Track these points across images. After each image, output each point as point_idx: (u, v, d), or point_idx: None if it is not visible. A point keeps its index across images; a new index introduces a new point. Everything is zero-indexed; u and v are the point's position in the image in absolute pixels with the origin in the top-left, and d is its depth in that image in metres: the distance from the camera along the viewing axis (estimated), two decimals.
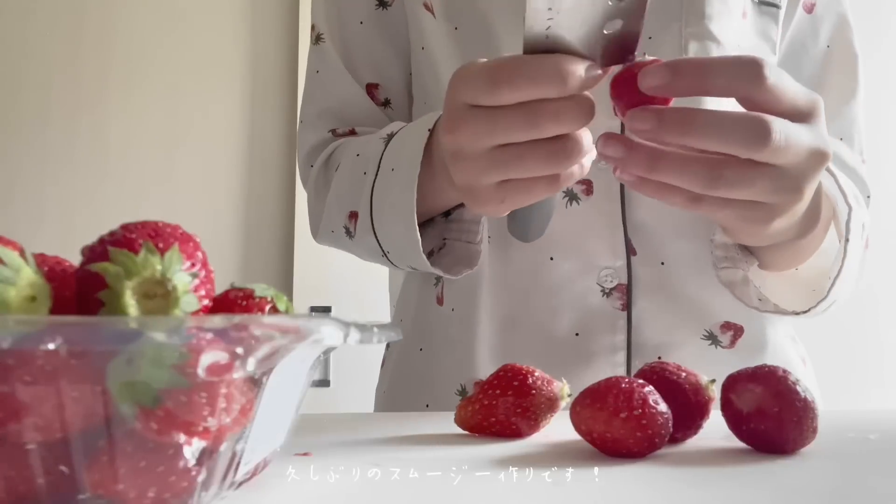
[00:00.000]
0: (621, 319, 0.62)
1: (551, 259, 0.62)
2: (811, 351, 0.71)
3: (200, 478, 0.25)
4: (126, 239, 0.26)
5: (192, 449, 0.24)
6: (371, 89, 0.72)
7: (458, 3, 0.66)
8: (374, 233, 0.60)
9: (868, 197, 0.69)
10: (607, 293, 0.62)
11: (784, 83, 0.41)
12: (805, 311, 0.56)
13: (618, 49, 0.41)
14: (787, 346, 0.68)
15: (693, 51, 0.63)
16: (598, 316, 0.62)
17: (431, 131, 0.55)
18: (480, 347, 0.64)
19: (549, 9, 0.38)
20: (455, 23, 0.66)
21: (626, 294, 0.62)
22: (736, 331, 0.64)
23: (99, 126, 1.95)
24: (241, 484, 0.30)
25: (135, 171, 1.96)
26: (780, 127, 0.40)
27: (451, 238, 0.61)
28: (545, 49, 0.40)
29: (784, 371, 0.39)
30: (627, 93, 0.41)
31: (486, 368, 0.64)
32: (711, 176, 0.41)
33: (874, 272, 2.08)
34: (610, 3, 0.39)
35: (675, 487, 0.32)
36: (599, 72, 0.42)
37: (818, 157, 0.43)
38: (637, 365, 0.62)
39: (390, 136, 0.60)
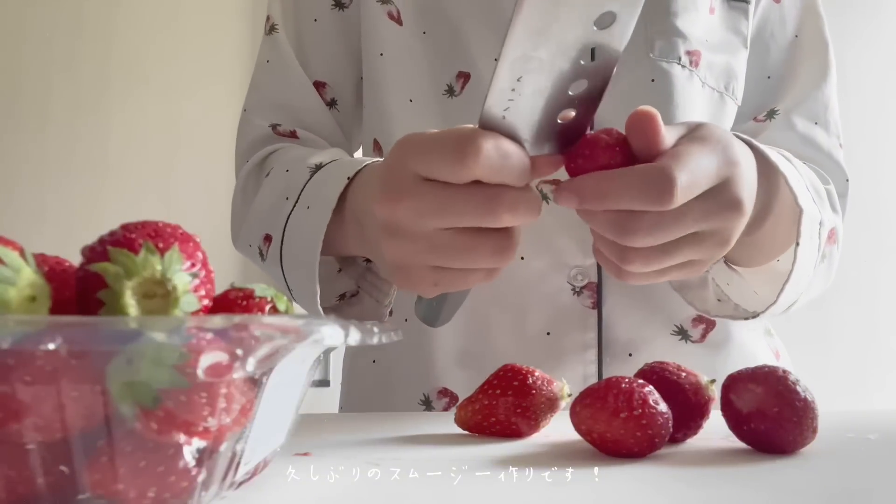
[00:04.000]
0: (592, 317, 0.62)
1: (521, 258, 0.62)
2: (811, 352, 0.71)
3: (200, 478, 0.25)
4: (126, 239, 0.26)
5: (192, 449, 0.24)
6: (319, 87, 0.71)
7: (429, 10, 0.66)
8: (282, 265, 0.58)
9: (846, 181, 0.68)
10: (578, 291, 0.62)
11: (695, 183, 0.40)
12: (755, 316, 0.55)
13: (566, 137, 0.41)
14: (756, 339, 0.68)
15: (659, 48, 0.62)
16: (569, 314, 0.62)
17: (352, 180, 0.52)
18: (441, 353, 0.64)
19: (513, 90, 0.37)
20: (424, 27, 0.66)
21: (596, 292, 0.62)
22: (707, 324, 0.64)
23: (99, 126, 1.95)
24: (241, 484, 0.30)
25: (135, 172, 1.95)
26: (646, 226, 0.39)
27: (364, 289, 0.59)
28: (501, 130, 0.39)
29: (784, 371, 0.39)
30: (583, 167, 0.40)
31: (452, 373, 0.64)
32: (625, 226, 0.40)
33: (875, 271, 2.07)
34: (570, 93, 0.39)
35: (676, 487, 0.32)
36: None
37: (729, 215, 0.42)
38: (608, 362, 0.62)
39: (318, 167, 0.58)
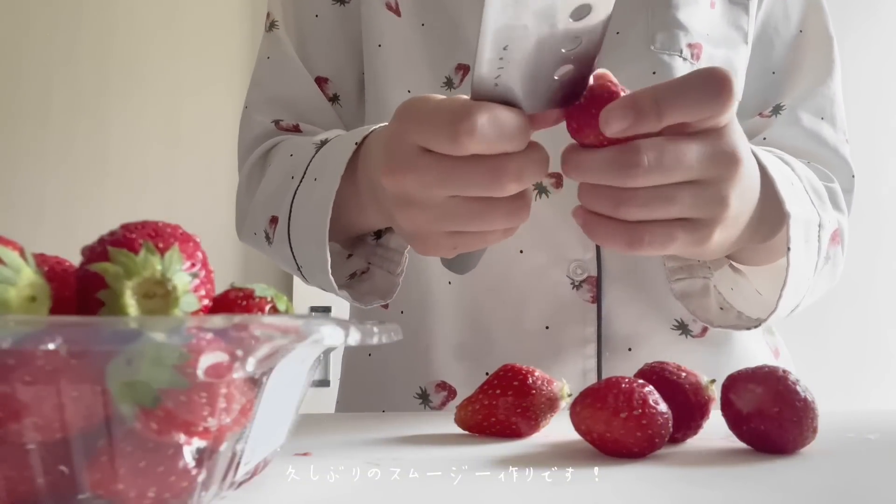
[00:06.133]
0: (591, 312, 0.62)
1: (521, 252, 0.62)
2: (810, 351, 0.71)
3: (200, 478, 0.25)
4: (126, 239, 0.26)
5: (192, 449, 0.24)
6: (321, 82, 0.70)
7: (428, 0, 0.65)
8: (290, 243, 0.57)
9: (852, 177, 0.67)
10: (577, 285, 0.62)
11: (668, 168, 0.40)
12: (757, 325, 0.54)
13: (567, 92, 0.41)
14: (756, 337, 0.67)
15: (660, 41, 0.62)
16: (569, 308, 0.62)
17: (360, 145, 0.51)
18: (439, 347, 0.64)
19: (501, 59, 0.37)
20: (422, 19, 0.66)
21: (595, 286, 0.62)
22: None
23: (99, 126, 1.95)
24: (241, 484, 0.30)
25: (135, 171, 1.95)
26: (651, 154, 0.39)
27: (375, 264, 0.58)
28: (494, 97, 0.39)
29: (784, 371, 0.39)
30: (584, 126, 0.40)
31: (449, 367, 0.64)
32: (620, 197, 0.40)
33: (872, 268, 2.07)
34: (563, 51, 0.38)
35: (676, 487, 0.32)
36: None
37: (725, 162, 0.41)
38: (607, 357, 0.62)
39: (323, 143, 0.57)
